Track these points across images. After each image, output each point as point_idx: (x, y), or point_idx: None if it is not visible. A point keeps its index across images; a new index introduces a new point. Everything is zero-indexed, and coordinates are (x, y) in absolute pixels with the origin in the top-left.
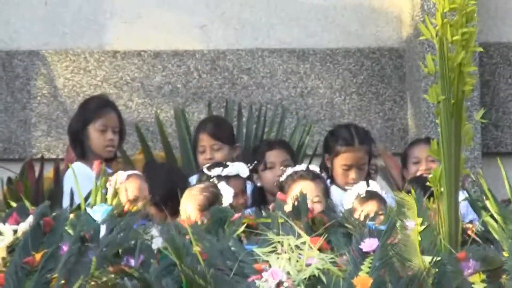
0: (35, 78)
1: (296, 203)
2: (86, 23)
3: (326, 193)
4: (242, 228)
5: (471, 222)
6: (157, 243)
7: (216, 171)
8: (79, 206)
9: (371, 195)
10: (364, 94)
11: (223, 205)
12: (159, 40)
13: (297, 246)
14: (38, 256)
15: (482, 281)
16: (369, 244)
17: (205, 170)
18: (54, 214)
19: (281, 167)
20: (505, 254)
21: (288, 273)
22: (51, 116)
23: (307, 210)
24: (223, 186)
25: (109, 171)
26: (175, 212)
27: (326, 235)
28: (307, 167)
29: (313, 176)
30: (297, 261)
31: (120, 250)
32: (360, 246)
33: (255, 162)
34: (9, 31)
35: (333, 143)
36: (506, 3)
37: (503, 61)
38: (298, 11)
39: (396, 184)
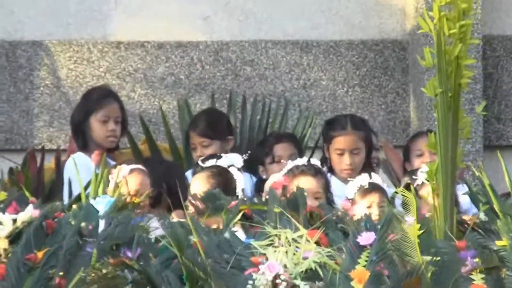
0: (38, 69)
1: (294, 197)
2: (90, 14)
3: (327, 188)
4: (239, 216)
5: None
6: (156, 233)
7: (210, 162)
8: (79, 197)
9: (373, 187)
10: (366, 86)
11: (236, 190)
12: (162, 31)
13: (294, 240)
14: (40, 254)
15: (480, 272)
16: (366, 237)
17: (199, 163)
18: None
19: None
20: (503, 243)
21: (285, 266)
22: (54, 106)
23: (305, 204)
24: (235, 172)
25: (111, 162)
26: (173, 207)
27: (324, 229)
28: (308, 161)
29: (315, 172)
30: (294, 254)
31: (117, 244)
32: (357, 240)
33: (249, 152)
34: (13, 21)
35: (328, 131)
36: None
37: (506, 54)
38: (302, 3)
39: (397, 177)
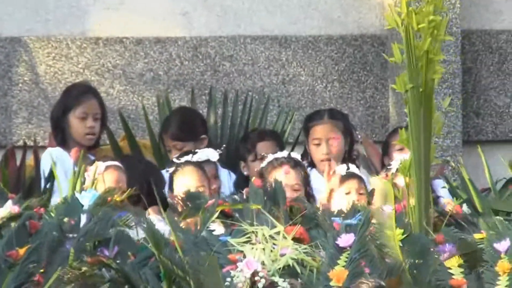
0: (16, 65)
1: (272, 190)
2: (69, 10)
3: (306, 181)
4: (216, 215)
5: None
6: (136, 235)
7: (186, 158)
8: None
9: (351, 174)
10: (345, 81)
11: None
12: (141, 27)
13: (271, 236)
14: (21, 251)
15: (460, 266)
16: (346, 239)
17: (175, 160)
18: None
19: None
20: (481, 235)
21: (262, 263)
22: (33, 103)
23: (285, 198)
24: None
25: (92, 158)
26: (150, 205)
27: (304, 225)
28: (288, 154)
29: (294, 164)
30: (272, 251)
31: (97, 241)
32: (336, 242)
33: (224, 146)
34: None
35: (307, 123)
36: None
37: (485, 49)
38: None
39: (376, 171)
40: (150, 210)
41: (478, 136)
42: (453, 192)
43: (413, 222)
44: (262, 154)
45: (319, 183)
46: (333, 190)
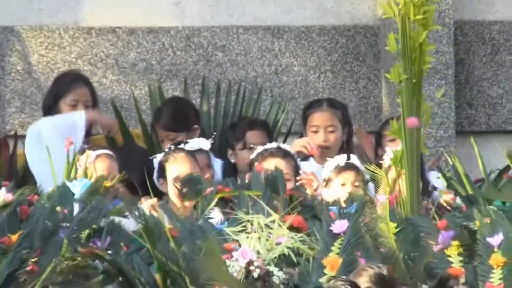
0: (9, 54)
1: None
2: (62, 0)
3: (296, 171)
4: (213, 203)
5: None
6: (130, 225)
7: (179, 147)
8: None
9: (348, 166)
10: (338, 72)
11: None
12: (134, 17)
13: (267, 225)
14: (14, 237)
15: (459, 254)
16: (339, 225)
17: (166, 151)
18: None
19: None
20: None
21: (258, 252)
22: (25, 92)
23: (285, 187)
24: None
25: (85, 146)
26: (146, 193)
27: (302, 214)
28: (278, 145)
29: (284, 154)
30: (267, 240)
31: (90, 232)
32: (330, 228)
33: (214, 134)
34: None
35: (305, 110)
36: None
37: (477, 39)
38: None
39: (370, 162)
40: (143, 199)
41: (471, 127)
42: (447, 183)
43: (405, 212)
44: (251, 144)
45: (316, 172)
46: (330, 180)
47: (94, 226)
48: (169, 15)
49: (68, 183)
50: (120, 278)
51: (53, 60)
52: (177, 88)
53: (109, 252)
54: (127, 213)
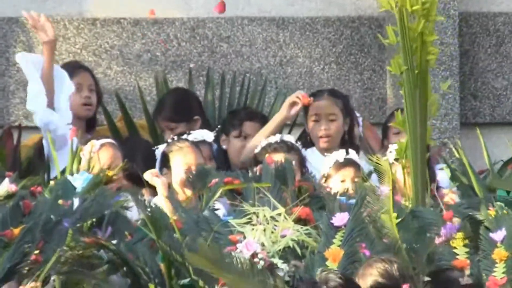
0: (14, 45)
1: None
2: None
3: (302, 163)
4: (218, 194)
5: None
6: (134, 214)
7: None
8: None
9: (348, 162)
10: (343, 63)
11: None
12: (138, 8)
13: (272, 218)
14: (16, 231)
15: (465, 245)
16: (340, 218)
17: (170, 142)
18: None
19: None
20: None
21: (262, 244)
22: None
23: (294, 178)
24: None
25: (89, 136)
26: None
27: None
28: (281, 138)
29: (287, 149)
30: (272, 232)
31: (93, 222)
32: (331, 221)
33: (218, 126)
34: None
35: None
36: None
37: (482, 31)
38: None
39: (374, 154)
40: (144, 190)
41: (475, 119)
42: (452, 175)
43: (410, 203)
44: (247, 134)
45: (319, 161)
46: (329, 176)
47: (97, 216)
48: (174, 6)
49: (69, 177)
50: (125, 268)
51: (57, 51)
52: (181, 79)
53: (114, 242)
54: (130, 205)
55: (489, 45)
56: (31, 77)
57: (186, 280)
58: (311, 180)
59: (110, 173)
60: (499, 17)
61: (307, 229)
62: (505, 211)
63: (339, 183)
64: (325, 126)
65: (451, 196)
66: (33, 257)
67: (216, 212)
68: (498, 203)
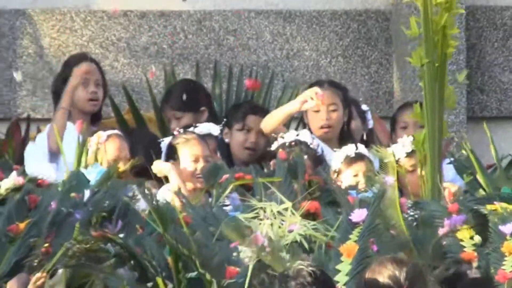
0: (21, 37)
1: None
2: None
3: (317, 162)
4: (229, 190)
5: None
6: (142, 204)
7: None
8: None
9: (359, 156)
10: (350, 56)
11: None
12: (145, 0)
13: (279, 212)
14: (22, 225)
15: (472, 237)
16: (358, 214)
17: (176, 134)
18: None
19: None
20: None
21: (270, 239)
22: (37, 75)
23: (304, 172)
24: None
25: (94, 129)
26: (157, 179)
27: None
28: (297, 138)
29: (306, 150)
30: (280, 227)
31: (103, 215)
32: (349, 217)
33: (224, 120)
34: None
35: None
36: None
37: (489, 25)
38: None
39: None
40: (149, 183)
41: (482, 112)
42: (458, 169)
43: (426, 195)
44: (250, 127)
45: (329, 156)
46: (340, 171)
47: (109, 208)
48: None
49: (83, 170)
50: (132, 261)
51: (64, 43)
52: (188, 72)
53: (121, 235)
54: (138, 197)
55: (496, 39)
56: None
57: (194, 274)
58: (322, 174)
59: (121, 169)
60: (506, 11)
61: (314, 224)
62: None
63: (352, 177)
64: (327, 116)
65: (451, 188)
66: (43, 249)
67: (225, 207)
68: (504, 204)
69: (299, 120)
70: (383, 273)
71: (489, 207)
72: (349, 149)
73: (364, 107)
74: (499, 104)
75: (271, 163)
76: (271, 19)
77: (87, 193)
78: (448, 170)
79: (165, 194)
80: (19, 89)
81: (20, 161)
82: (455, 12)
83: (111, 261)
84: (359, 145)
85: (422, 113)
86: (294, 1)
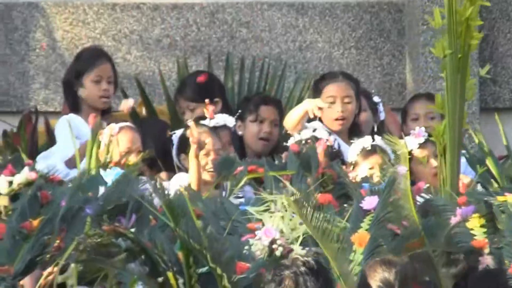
0: (33, 30)
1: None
2: None
3: (334, 158)
4: (242, 183)
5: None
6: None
7: (204, 123)
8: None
9: (375, 149)
10: (362, 48)
11: None
12: None
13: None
14: (35, 222)
15: (482, 226)
16: (369, 202)
17: (189, 124)
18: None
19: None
20: (505, 198)
21: (281, 231)
22: (49, 68)
23: (317, 165)
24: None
25: (105, 122)
26: (168, 168)
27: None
28: (313, 135)
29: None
30: (291, 219)
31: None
32: (360, 205)
33: (239, 112)
34: None
35: (318, 84)
36: None
37: (502, 16)
38: None
39: None
40: (161, 175)
41: (495, 104)
42: (471, 160)
43: (444, 186)
44: (263, 118)
45: (323, 135)
46: (357, 164)
47: (120, 202)
48: None
49: (102, 172)
50: (143, 256)
51: (77, 36)
52: (201, 64)
53: (132, 230)
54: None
55: (509, 30)
56: (64, 142)
57: (205, 269)
58: (335, 168)
59: (131, 162)
60: None
61: (325, 216)
62: None
63: (367, 170)
64: (342, 108)
65: (464, 179)
66: (55, 244)
67: (238, 200)
68: None
69: None
70: (374, 277)
71: (500, 198)
72: (366, 141)
73: (376, 98)
74: None
75: (283, 155)
76: (283, 11)
77: (101, 189)
78: (462, 163)
79: (181, 180)
80: (32, 82)
81: (31, 154)
82: (480, 3)
83: (122, 256)
84: (376, 137)
85: (442, 104)
86: None
